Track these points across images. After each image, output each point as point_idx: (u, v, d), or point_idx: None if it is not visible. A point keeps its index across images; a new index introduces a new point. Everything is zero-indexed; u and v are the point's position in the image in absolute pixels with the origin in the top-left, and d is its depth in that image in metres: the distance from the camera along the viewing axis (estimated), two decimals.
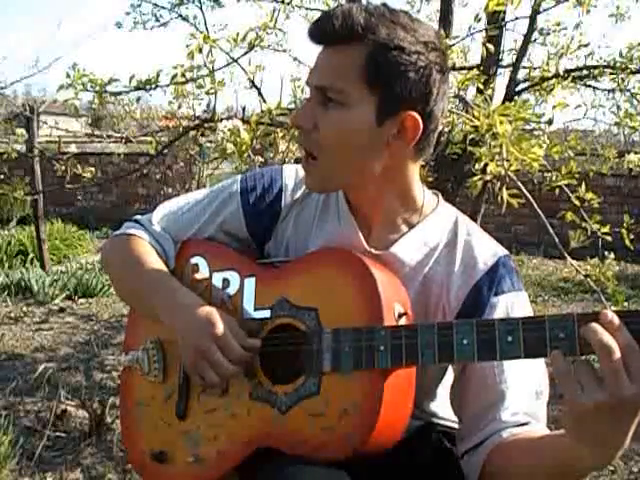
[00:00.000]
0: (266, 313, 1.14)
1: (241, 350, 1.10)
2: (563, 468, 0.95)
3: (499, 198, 2.25)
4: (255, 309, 1.16)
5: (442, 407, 1.25)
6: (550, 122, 2.61)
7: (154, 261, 1.25)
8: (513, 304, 1.12)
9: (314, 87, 1.10)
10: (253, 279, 1.19)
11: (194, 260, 1.26)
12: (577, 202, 2.38)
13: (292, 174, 1.27)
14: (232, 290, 1.20)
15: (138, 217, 1.35)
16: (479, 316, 1.11)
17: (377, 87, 1.06)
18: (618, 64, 2.97)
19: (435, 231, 1.18)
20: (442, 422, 1.25)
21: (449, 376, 1.22)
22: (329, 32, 1.06)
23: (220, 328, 1.11)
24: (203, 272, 1.24)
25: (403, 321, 1.05)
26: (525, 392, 1.08)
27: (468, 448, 1.10)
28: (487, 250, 1.17)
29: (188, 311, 1.16)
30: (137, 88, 2.83)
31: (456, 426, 1.25)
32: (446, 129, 2.85)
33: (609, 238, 2.31)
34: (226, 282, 1.21)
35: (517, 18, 2.90)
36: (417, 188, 1.18)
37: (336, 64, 1.07)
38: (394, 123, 1.08)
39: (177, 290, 1.21)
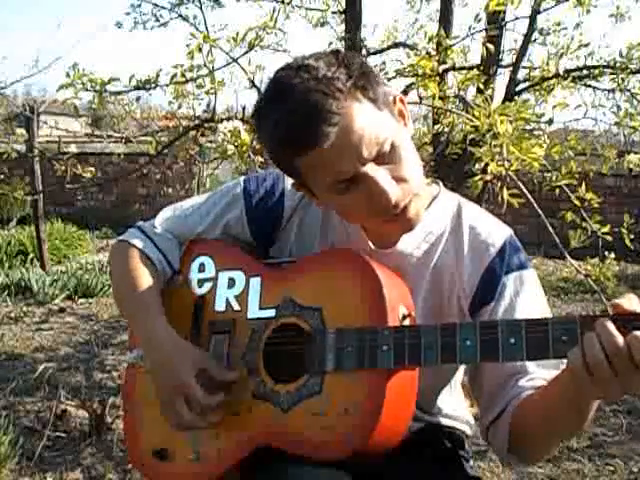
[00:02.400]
0: (271, 312, 1.15)
1: (206, 401, 1.09)
2: (573, 405, 0.97)
3: (499, 198, 2.25)
4: (260, 308, 1.16)
5: (449, 404, 1.25)
6: (550, 122, 2.62)
7: (144, 282, 1.24)
8: (523, 281, 1.15)
9: (365, 163, 1.03)
10: (259, 279, 1.19)
11: (200, 260, 1.26)
12: (577, 202, 2.38)
13: None
14: (238, 290, 1.20)
15: (141, 224, 1.34)
16: (492, 296, 1.13)
17: (384, 107, 1.06)
18: (618, 64, 2.97)
19: (439, 219, 1.19)
20: (447, 421, 1.25)
21: (461, 371, 1.24)
22: (332, 114, 0.99)
23: (186, 379, 1.10)
24: (209, 272, 1.24)
25: (407, 323, 1.05)
26: (546, 363, 1.08)
27: (492, 419, 1.12)
28: (494, 232, 1.18)
29: (159, 348, 1.15)
30: (137, 88, 2.83)
31: (460, 426, 1.26)
32: (446, 129, 2.86)
33: (609, 238, 2.31)
34: (232, 281, 1.21)
35: (517, 18, 2.92)
36: None
37: (364, 126, 1.01)
38: (399, 115, 1.11)
39: (154, 320, 1.19)
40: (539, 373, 1.09)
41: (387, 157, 1.04)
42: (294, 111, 1.00)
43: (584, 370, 0.88)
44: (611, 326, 0.87)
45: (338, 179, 1.04)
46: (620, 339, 0.86)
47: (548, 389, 1.04)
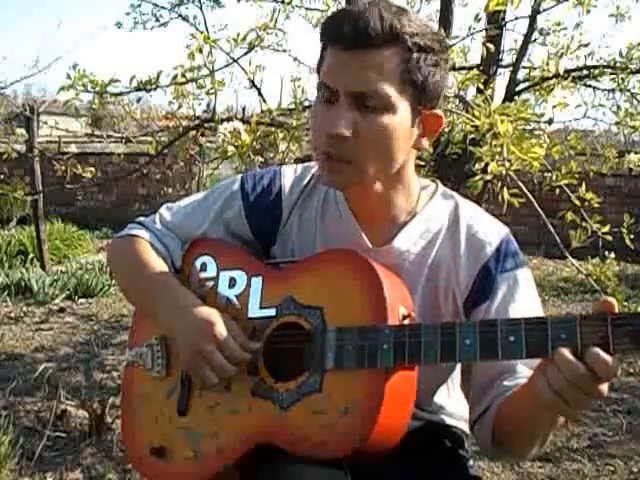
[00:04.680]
0: (272, 312, 1.15)
1: (240, 350, 1.11)
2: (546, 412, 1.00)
3: (499, 198, 2.25)
4: (261, 307, 1.17)
5: (448, 402, 1.26)
6: (550, 122, 2.62)
7: (155, 262, 1.25)
8: (517, 281, 1.15)
9: (348, 93, 1.04)
10: (260, 278, 1.19)
11: (202, 259, 1.26)
12: (577, 202, 2.38)
13: (290, 175, 1.27)
14: (238, 289, 1.20)
15: (141, 219, 1.35)
16: (487, 296, 1.14)
17: (413, 89, 1.07)
18: (618, 64, 2.97)
19: (436, 216, 1.19)
20: (447, 419, 1.26)
21: (459, 369, 1.25)
22: (366, 35, 1.02)
23: (220, 329, 1.12)
24: (210, 271, 1.24)
25: (406, 323, 1.05)
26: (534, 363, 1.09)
27: (478, 415, 1.14)
28: (491, 231, 1.19)
29: (188, 311, 1.16)
30: (137, 89, 2.83)
31: (459, 425, 1.26)
32: (446, 129, 2.86)
33: (609, 238, 2.31)
34: (233, 281, 1.21)
35: (517, 18, 2.91)
36: (413, 178, 1.20)
37: (374, 69, 1.03)
38: (421, 122, 1.11)
39: (178, 291, 1.21)
40: (526, 373, 1.09)
41: (365, 107, 1.05)
42: (365, 9, 1.03)
43: (555, 397, 0.91)
44: (567, 354, 0.89)
45: (325, 82, 1.07)
46: (578, 365, 0.88)
47: (521, 392, 1.05)
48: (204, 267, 1.25)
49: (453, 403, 1.26)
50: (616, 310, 0.90)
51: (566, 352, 0.90)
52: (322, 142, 1.08)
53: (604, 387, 0.91)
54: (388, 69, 1.04)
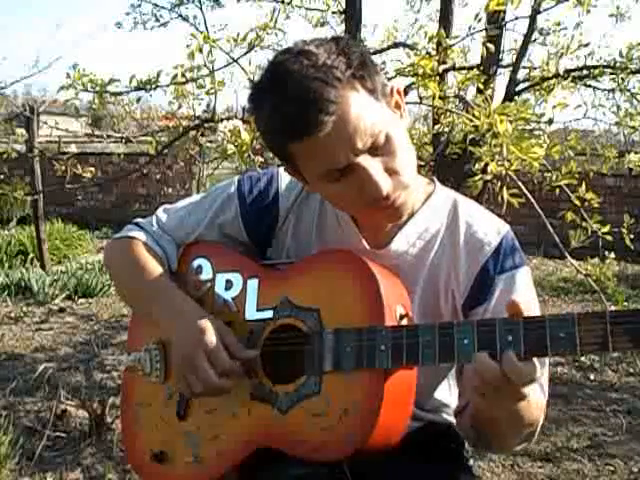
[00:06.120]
0: (268, 314, 1.15)
1: (229, 362, 1.10)
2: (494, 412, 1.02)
3: (499, 198, 2.25)
4: (258, 310, 1.16)
5: (449, 401, 1.26)
6: (550, 122, 2.62)
7: (152, 264, 1.25)
8: (514, 281, 1.15)
9: (361, 153, 1.03)
10: (256, 280, 1.19)
11: (197, 262, 1.26)
12: (577, 202, 2.38)
13: (287, 178, 1.26)
14: (235, 291, 1.20)
15: (139, 220, 1.34)
16: (485, 298, 1.13)
17: (374, 95, 1.05)
18: (618, 64, 2.97)
19: (434, 216, 1.19)
20: (448, 418, 1.25)
21: None
22: (326, 106, 0.98)
23: (211, 338, 1.11)
24: (206, 274, 1.24)
25: (404, 323, 1.05)
26: None
27: (458, 410, 1.17)
28: (490, 230, 1.18)
29: (184, 315, 1.16)
30: (137, 88, 2.83)
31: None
32: (446, 129, 2.86)
33: (609, 238, 2.31)
34: (229, 283, 1.21)
35: (517, 18, 2.91)
36: (416, 177, 1.19)
37: (358, 117, 1.01)
38: (395, 107, 1.10)
39: (174, 294, 1.21)
40: None
41: (381, 149, 1.04)
42: (291, 98, 1.00)
43: (479, 398, 0.97)
44: (486, 359, 0.93)
45: (331, 168, 1.04)
46: (494, 370, 0.92)
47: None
48: (200, 269, 1.25)
49: (454, 401, 1.26)
50: (523, 311, 0.94)
51: (485, 357, 0.93)
52: (366, 205, 1.07)
53: (523, 390, 0.94)
54: (366, 106, 1.02)
